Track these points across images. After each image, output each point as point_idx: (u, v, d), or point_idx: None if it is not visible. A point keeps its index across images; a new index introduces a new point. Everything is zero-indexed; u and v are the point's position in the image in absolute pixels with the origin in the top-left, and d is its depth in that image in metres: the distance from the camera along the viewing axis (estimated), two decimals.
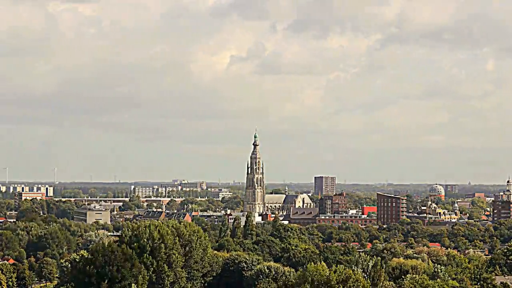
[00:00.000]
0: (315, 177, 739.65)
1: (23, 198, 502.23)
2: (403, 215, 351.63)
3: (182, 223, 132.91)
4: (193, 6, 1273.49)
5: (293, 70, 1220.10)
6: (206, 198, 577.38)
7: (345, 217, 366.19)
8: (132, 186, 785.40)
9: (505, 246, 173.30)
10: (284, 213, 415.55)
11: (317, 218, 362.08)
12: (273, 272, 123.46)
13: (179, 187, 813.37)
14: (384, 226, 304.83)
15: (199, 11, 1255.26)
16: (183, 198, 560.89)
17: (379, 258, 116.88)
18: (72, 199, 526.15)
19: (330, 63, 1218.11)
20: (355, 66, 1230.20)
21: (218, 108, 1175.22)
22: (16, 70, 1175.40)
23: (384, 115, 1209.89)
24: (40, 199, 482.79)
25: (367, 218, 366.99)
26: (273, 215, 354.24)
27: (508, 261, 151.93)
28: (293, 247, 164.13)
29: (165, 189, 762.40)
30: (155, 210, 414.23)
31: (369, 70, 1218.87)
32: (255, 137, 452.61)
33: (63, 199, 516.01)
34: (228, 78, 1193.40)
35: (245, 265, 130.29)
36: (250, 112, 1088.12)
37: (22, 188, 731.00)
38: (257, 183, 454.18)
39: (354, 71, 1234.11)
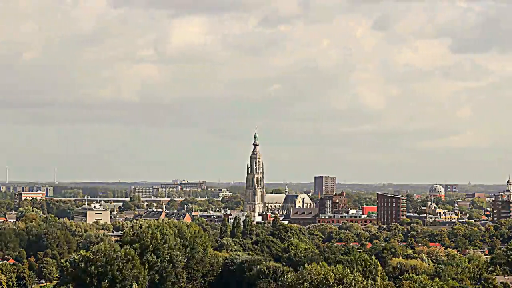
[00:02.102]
0: (315, 177, 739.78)
1: (23, 198, 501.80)
2: (403, 215, 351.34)
3: (183, 224, 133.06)
4: None
5: None
6: (206, 198, 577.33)
7: (345, 217, 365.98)
8: (132, 186, 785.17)
9: (506, 246, 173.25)
10: (284, 213, 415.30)
11: (317, 218, 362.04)
12: (273, 272, 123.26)
13: (179, 187, 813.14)
14: (384, 226, 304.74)
15: None
16: (183, 198, 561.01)
17: (377, 258, 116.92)
18: (72, 199, 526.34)
19: None
20: None
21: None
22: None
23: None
24: (40, 199, 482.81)
25: (367, 218, 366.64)
26: (273, 215, 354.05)
27: (510, 260, 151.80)
28: (293, 247, 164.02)
29: (165, 189, 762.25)
30: (155, 210, 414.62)
31: None
32: (255, 137, 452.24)
33: (63, 199, 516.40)
34: None
35: (245, 265, 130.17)
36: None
37: (22, 188, 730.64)
38: (257, 183, 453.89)
39: None
